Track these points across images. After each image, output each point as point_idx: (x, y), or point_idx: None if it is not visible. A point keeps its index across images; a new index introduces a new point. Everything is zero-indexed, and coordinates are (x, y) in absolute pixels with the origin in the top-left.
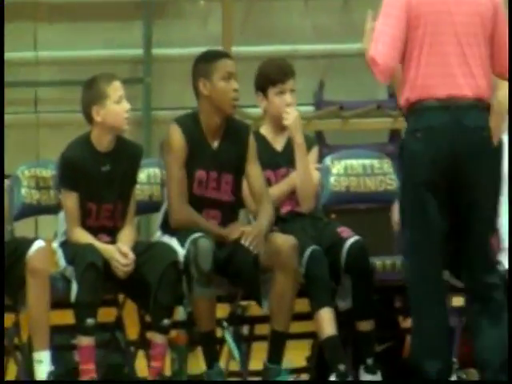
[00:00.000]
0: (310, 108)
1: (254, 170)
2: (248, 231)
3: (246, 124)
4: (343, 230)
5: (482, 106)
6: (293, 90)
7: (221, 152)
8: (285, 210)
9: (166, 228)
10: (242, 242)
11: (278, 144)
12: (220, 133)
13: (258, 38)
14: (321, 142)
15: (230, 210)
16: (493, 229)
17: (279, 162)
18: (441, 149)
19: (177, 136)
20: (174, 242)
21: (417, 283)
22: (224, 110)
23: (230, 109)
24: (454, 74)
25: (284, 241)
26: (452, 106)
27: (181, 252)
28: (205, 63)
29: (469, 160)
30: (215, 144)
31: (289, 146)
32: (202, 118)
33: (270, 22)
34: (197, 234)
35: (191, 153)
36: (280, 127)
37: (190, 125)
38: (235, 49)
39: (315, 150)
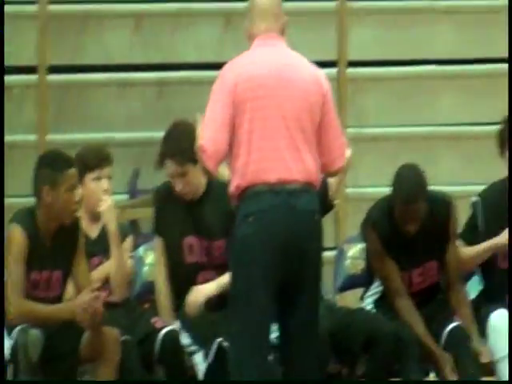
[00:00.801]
0: (125, 196)
1: (81, 264)
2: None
3: (76, 218)
4: (157, 320)
5: (312, 190)
6: (110, 177)
7: (54, 250)
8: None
9: None
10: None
11: (93, 232)
12: (54, 231)
13: (72, 126)
14: (135, 231)
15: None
16: (317, 311)
17: (93, 250)
18: (273, 233)
19: (18, 236)
20: None
21: (241, 366)
22: (63, 220)
23: (69, 219)
24: (284, 159)
25: (108, 332)
26: (283, 190)
27: (6, 342)
28: (52, 171)
29: (300, 244)
30: (49, 243)
31: (103, 234)
32: (39, 220)
33: (85, 109)
34: (25, 324)
35: (28, 254)
36: (95, 215)
37: (28, 224)
38: (50, 136)
39: (129, 239)
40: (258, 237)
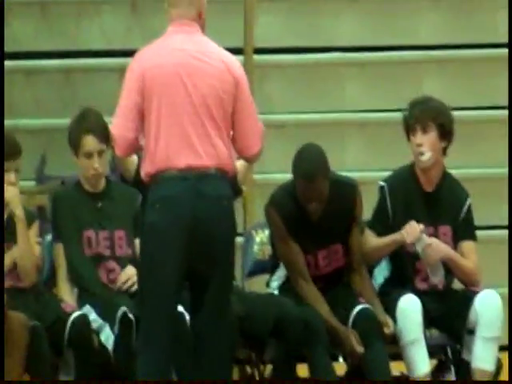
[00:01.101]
0: (32, 183)
1: None
2: None
3: None
4: (67, 306)
5: (222, 176)
6: (17, 171)
7: None
8: (5, 285)
9: None
10: None
11: None
12: None
13: None
14: (42, 217)
15: None
16: (228, 298)
17: None
18: (180, 219)
19: None
20: None
21: (147, 350)
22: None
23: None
24: (193, 144)
25: (15, 318)
26: (191, 176)
27: None
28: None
29: (208, 230)
30: None
31: (9, 220)
32: None
33: None
34: None
35: None
36: None
37: None
38: None
39: (36, 225)
40: (165, 223)
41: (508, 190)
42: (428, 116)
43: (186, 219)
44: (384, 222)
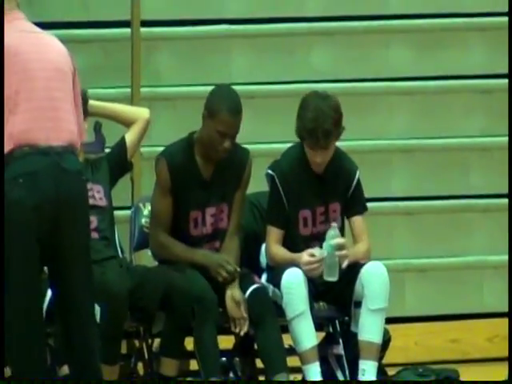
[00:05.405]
0: None
1: None
2: None
3: None
4: None
5: (75, 151)
6: None
7: None
8: None
9: None
10: None
11: None
12: None
13: None
14: None
15: None
16: (91, 273)
17: None
18: (45, 193)
19: None
20: None
21: (15, 316)
22: None
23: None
24: (50, 119)
25: None
26: (51, 151)
27: None
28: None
29: (71, 205)
30: None
31: None
32: None
33: None
34: None
35: None
36: None
37: None
38: None
39: None
40: (32, 198)
41: None
42: (331, 138)
43: (51, 194)
44: (282, 213)
